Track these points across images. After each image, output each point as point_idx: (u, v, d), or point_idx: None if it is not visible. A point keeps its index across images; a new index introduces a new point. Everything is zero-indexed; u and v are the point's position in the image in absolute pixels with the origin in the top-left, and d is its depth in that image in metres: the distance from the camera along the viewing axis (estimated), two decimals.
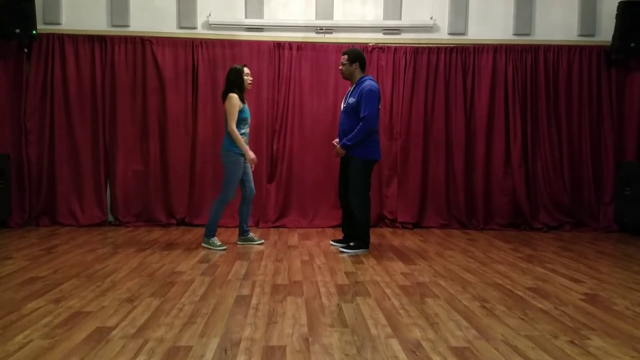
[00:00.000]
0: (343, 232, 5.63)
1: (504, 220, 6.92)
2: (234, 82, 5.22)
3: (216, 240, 5.35)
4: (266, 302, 3.55)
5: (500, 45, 6.92)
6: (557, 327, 3.14)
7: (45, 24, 6.68)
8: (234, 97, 5.15)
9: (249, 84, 5.37)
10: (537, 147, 6.94)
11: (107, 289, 3.82)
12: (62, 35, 6.66)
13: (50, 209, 6.68)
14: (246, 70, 5.32)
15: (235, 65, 5.34)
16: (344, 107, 5.34)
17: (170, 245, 5.49)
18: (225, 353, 2.68)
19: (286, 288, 3.93)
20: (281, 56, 6.83)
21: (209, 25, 6.84)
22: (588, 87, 6.94)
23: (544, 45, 6.93)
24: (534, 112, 6.94)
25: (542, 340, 2.92)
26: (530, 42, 6.94)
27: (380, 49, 6.90)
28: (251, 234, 5.65)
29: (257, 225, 6.80)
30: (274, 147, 6.89)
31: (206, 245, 5.34)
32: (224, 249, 5.28)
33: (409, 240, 6.07)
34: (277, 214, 6.89)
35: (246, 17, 6.89)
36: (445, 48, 6.92)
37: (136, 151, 6.78)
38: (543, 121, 6.92)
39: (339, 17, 6.95)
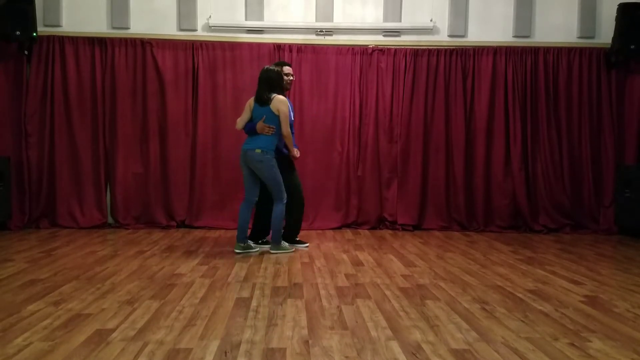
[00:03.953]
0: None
1: (504, 223, 6.92)
2: (279, 84, 5.15)
3: (285, 244, 5.34)
4: (266, 305, 3.54)
5: (500, 47, 6.92)
6: (557, 330, 3.13)
7: (46, 25, 6.69)
8: (286, 100, 5.14)
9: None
10: (537, 149, 6.94)
11: (107, 291, 3.81)
12: (62, 37, 6.66)
13: (50, 212, 6.68)
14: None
15: (271, 67, 5.20)
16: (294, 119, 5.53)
17: (170, 248, 5.48)
18: (225, 355, 2.68)
19: (286, 290, 3.92)
20: (281, 58, 6.82)
21: (209, 27, 6.84)
22: (588, 89, 6.94)
23: (544, 47, 6.93)
24: (534, 114, 6.94)
25: (543, 343, 2.92)
26: (530, 44, 6.94)
27: (380, 51, 6.91)
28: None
29: None
30: None
31: (277, 252, 5.24)
32: (293, 251, 5.35)
33: (409, 242, 6.07)
34: None
35: (246, 19, 6.89)
36: (445, 50, 6.92)
37: (136, 153, 6.78)
38: (543, 123, 6.92)
39: (339, 19, 6.95)
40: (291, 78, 5.51)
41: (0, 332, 2.96)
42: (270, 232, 5.32)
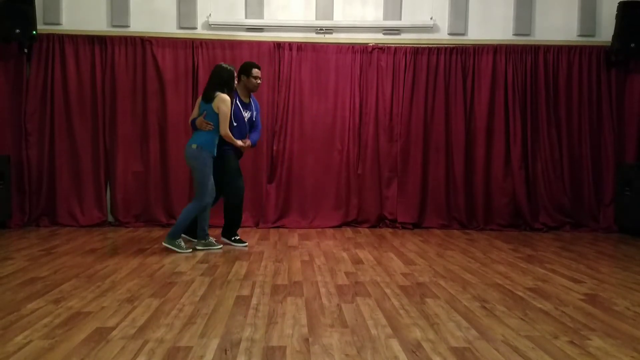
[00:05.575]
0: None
1: (504, 221, 6.92)
2: (228, 84, 5.10)
3: (211, 239, 5.32)
4: (266, 303, 3.55)
5: (500, 46, 6.91)
6: (557, 328, 3.13)
7: (46, 24, 6.68)
8: (228, 99, 5.07)
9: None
10: (537, 148, 6.93)
11: (107, 289, 3.82)
12: (62, 35, 6.66)
13: (51, 211, 6.68)
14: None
15: (225, 65, 5.18)
16: (249, 118, 5.46)
17: None
18: (225, 353, 2.68)
19: (286, 288, 3.92)
20: (281, 57, 6.83)
21: (209, 26, 6.84)
22: (588, 88, 6.93)
23: (544, 46, 6.93)
24: (534, 113, 6.93)
25: (543, 341, 2.92)
26: (530, 43, 6.94)
27: (380, 49, 6.90)
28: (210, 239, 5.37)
29: (257, 225, 6.80)
30: (274, 148, 6.89)
31: (168, 245, 5.13)
32: (220, 248, 5.31)
33: (409, 240, 6.07)
34: (277, 214, 6.89)
35: (246, 18, 6.89)
36: (445, 48, 6.92)
37: (136, 152, 6.78)
38: (543, 122, 6.91)
39: (339, 17, 6.95)
40: (259, 82, 5.46)
41: (0, 330, 2.97)
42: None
